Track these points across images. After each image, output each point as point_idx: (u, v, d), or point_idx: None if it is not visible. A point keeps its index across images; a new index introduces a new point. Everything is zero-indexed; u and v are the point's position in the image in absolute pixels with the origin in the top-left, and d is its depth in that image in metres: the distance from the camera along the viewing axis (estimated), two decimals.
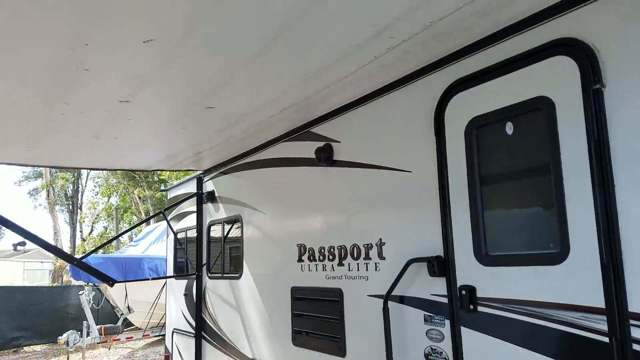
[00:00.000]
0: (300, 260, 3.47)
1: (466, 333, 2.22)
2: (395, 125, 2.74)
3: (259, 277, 4.01)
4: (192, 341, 4.87)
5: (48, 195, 26.77)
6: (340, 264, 3.08)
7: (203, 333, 4.77)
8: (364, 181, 2.95)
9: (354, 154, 3.04)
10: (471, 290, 2.20)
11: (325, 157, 3.21)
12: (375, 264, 2.80)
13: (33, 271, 26.14)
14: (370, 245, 2.85)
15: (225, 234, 4.61)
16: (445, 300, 2.34)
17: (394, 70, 2.62)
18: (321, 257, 3.26)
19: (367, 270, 2.87)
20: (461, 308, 2.24)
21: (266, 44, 2.21)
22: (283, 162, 3.75)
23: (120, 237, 31.46)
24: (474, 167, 2.22)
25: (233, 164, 4.49)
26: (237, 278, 4.25)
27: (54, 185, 28.32)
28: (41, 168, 29.27)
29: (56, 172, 31.46)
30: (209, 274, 4.83)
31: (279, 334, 3.64)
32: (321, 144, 3.27)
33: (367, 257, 2.87)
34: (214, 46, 2.23)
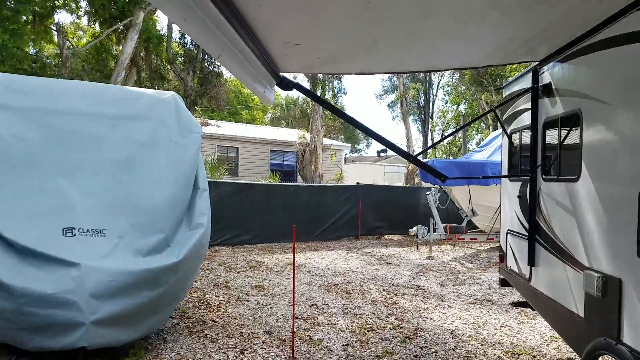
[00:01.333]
0: None
1: None
2: None
3: (599, 180, 3.40)
4: (525, 243, 4.72)
5: (401, 105, 30.05)
6: None
7: (536, 236, 4.54)
8: None
9: None
10: None
11: None
12: None
13: (391, 174, 30.70)
14: None
15: (562, 131, 4.08)
16: None
17: None
18: None
19: None
20: None
21: None
22: (633, 38, 2.90)
23: (467, 143, 32.67)
24: None
25: (572, 48, 3.77)
26: (575, 181, 3.74)
27: (406, 96, 31.43)
28: (395, 81, 32.94)
29: (409, 81, 34.54)
30: (544, 176, 4.44)
31: (620, 243, 3.06)
32: None
33: None
34: None
